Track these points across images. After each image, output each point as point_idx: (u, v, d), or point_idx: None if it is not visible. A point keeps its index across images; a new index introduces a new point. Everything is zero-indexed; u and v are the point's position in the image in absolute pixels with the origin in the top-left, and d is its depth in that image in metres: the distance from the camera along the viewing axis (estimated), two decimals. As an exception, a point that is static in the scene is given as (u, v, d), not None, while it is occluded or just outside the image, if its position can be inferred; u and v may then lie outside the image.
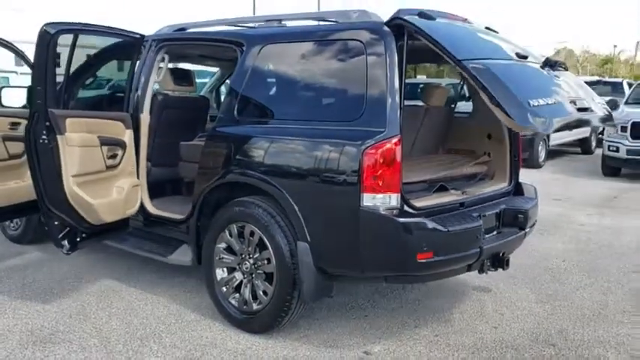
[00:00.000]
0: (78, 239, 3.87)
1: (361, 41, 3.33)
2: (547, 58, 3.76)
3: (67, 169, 3.62)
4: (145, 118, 4.37)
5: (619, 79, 20.01)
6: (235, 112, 3.76)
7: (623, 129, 10.48)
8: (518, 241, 3.83)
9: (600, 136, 15.10)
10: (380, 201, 3.09)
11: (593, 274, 4.96)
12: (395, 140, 3.09)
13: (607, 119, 3.71)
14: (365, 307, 4.13)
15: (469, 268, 3.50)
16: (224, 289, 3.76)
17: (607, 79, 21.92)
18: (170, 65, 4.79)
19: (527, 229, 3.86)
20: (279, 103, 3.70)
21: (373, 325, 3.83)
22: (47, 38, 3.48)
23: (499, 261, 3.60)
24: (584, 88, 3.87)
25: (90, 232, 3.97)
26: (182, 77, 4.73)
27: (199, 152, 4.04)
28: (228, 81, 6.22)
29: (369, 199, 3.09)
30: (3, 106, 5.02)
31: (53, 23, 3.53)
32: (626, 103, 11.84)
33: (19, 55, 4.85)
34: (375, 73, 3.20)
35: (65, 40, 3.88)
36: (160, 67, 4.46)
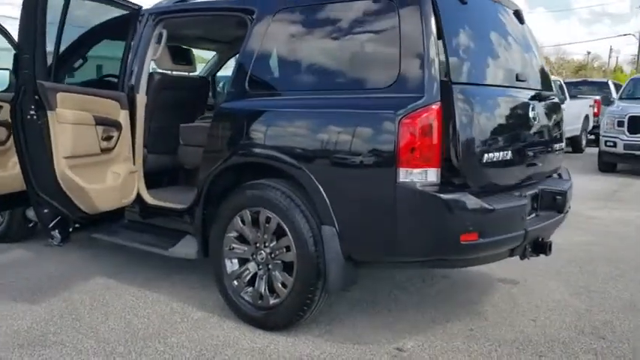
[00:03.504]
0: (70, 229, 3.47)
1: None
2: (539, 93, 3.65)
3: (59, 150, 3.22)
4: (141, 98, 3.99)
5: (605, 79, 20.12)
6: (246, 85, 3.39)
7: (620, 124, 10.33)
8: (556, 225, 3.51)
9: (590, 136, 15.07)
10: (418, 176, 2.74)
11: (621, 266, 4.67)
12: (435, 107, 2.75)
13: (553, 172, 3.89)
14: (387, 301, 3.78)
15: (511, 253, 3.18)
16: (235, 282, 3.38)
17: (593, 79, 22.02)
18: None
19: (564, 212, 3.56)
20: (297, 72, 3.32)
21: (400, 320, 3.48)
22: (36, -2, 3.07)
23: (541, 246, 3.28)
24: (557, 128, 3.88)
25: (83, 222, 3.57)
26: (181, 56, 4.36)
27: (203, 134, 3.67)
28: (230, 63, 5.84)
29: (406, 175, 2.74)
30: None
31: (43, -18, 3.13)
32: (621, 98, 11.74)
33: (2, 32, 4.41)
34: (409, 30, 2.85)
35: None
36: (157, 44, 4.08)
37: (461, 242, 2.74)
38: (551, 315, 3.60)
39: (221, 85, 6.39)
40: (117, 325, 3.32)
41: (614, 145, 10.36)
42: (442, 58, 2.86)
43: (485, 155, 3.01)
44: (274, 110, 3.26)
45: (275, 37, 3.36)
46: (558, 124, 3.92)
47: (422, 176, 2.74)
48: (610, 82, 17.52)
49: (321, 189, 2.98)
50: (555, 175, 3.94)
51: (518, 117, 3.39)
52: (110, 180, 3.66)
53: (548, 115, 3.75)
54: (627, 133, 10.19)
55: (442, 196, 2.72)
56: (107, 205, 3.59)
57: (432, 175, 2.76)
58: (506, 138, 3.24)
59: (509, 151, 3.21)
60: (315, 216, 3.04)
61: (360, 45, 3.10)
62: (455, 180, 2.86)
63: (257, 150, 3.26)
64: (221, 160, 3.42)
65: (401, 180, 2.74)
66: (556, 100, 4.01)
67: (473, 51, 3.17)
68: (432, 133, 2.73)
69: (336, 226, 2.96)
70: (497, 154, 3.10)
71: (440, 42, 2.86)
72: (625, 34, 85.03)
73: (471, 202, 2.77)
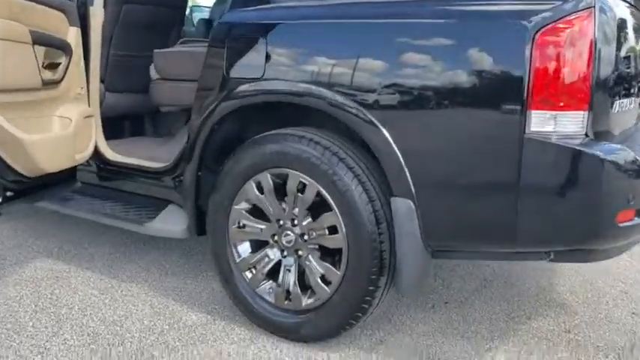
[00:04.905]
0: (0, 199, 2.36)
1: None
2: None
3: (-24, 79, 2.07)
4: (96, 13, 2.83)
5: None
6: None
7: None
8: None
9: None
10: (560, 124, 1.78)
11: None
12: (588, 15, 1.77)
13: None
14: (439, 291, 2.88)
15: None
16: (248, 274, 2.38)
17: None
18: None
19: None
20: None
21: (467, 318, 2.60)
22: None
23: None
24: None
25: (19, 188, 2.46)
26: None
27: (187, 62, 2.61)
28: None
29: (541, 121, 1.78)
30: None
31: None
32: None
33: None
34: None
35: None
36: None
37: (617, 224, 1.82)
38: (654, 307, 2.80)
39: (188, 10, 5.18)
40: (76, 341, 2.27)
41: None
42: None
43: (619, 95, 2.09)
44: (313, 22, 2.19)
45: None
46: None
47: (564, 124, 1.79)
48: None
49: (392, 142, 1.98)
50: None
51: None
52: (58, 127, 2.53)
53: None
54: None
55: (600, 154, 1.77)
56: (55, 165, 2.48)
57: (577, 121, 1.80)
58: (634, 72, 2.32)
59: (634, 91, 2.30)
60: (378, 184, 2.06)
61: None
62: (594, 130, 1.91)
63: (286, 84, 2.20)
64: (225, 98, 2.35)
65: (533, 129, 1.78)
66: None
67: None
68: (583, 55, 1.77)
69: (415, 199, 1.98)
70: (627, 93, 2.19)
71: None
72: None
73: (636, 162, 1.84)
